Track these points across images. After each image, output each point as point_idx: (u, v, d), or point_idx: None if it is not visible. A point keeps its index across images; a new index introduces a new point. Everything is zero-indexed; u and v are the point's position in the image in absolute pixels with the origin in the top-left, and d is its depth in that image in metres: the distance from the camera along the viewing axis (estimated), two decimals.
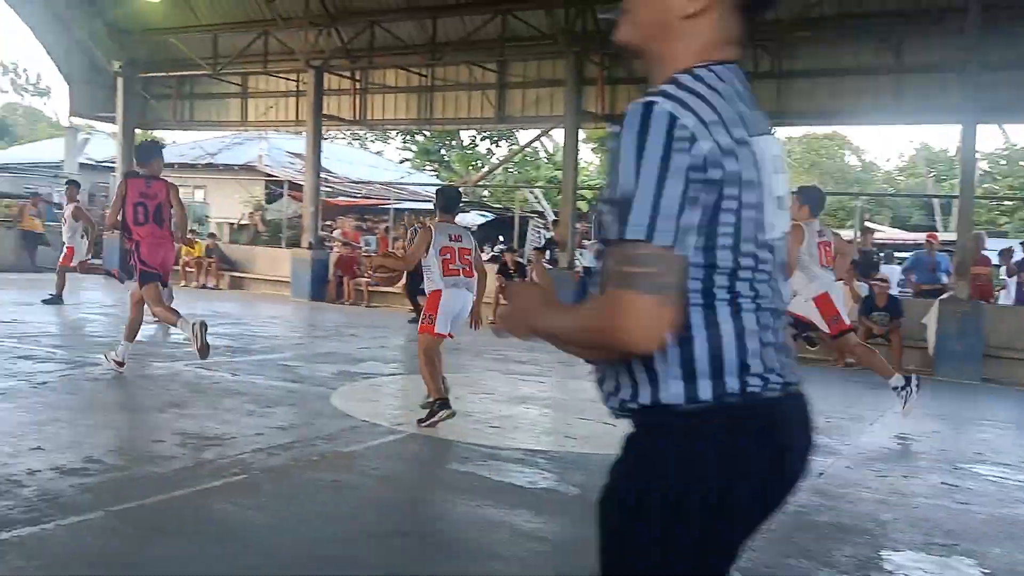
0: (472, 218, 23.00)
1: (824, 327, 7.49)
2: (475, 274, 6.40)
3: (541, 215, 22.44)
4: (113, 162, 21.63)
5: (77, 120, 23.60)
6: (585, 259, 15.85)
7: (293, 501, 4.47)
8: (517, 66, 16.34)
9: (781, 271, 1.55)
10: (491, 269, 15.56)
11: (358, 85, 17.96)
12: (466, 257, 6.34)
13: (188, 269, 18.36)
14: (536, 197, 23.92)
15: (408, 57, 16.53)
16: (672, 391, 1.44)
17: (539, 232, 21.43)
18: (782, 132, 38.11)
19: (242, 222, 23.51)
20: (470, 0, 15.28)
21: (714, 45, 1.50)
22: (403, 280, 12.10)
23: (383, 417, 6.45)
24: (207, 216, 25.37)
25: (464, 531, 4.14)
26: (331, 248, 17.74)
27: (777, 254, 1.52)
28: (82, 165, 24.78)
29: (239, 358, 8.86)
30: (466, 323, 6.47)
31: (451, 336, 6.28)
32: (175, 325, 7.31)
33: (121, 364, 7.36)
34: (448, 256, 6.26)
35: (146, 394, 6.74)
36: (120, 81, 19.11)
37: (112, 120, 20.19)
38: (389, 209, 20.48)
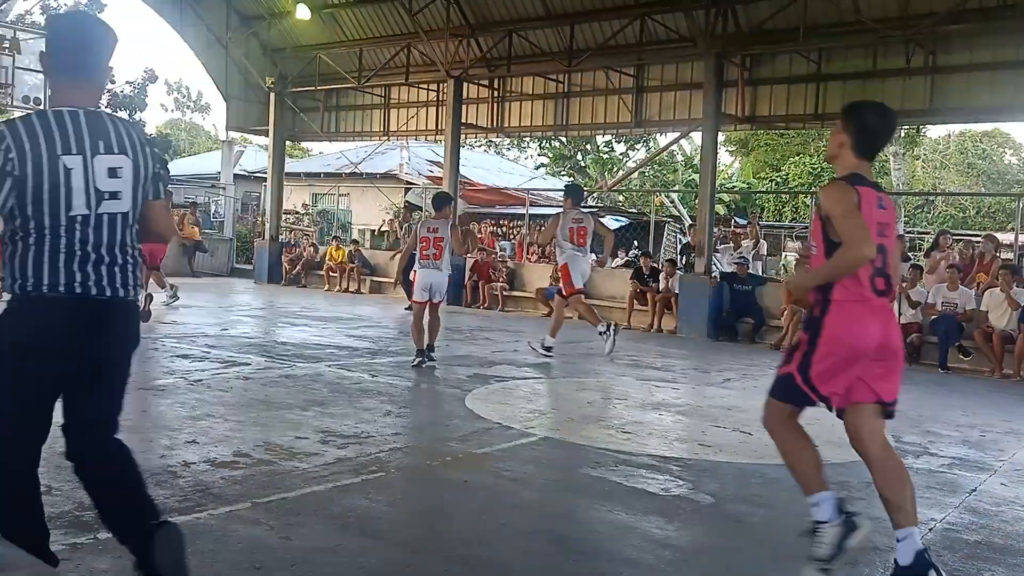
0: (607, 223, 22.91)
1: (563, 287, 9.95)
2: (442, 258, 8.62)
3: (677, 219, 22.12)
4: (264, 172, 22.77)
5: (233, 134, 24.97)
6: (723, 264, 15.52)
7: (428, 499, 4.57)
8: (655, 69, 16.17)
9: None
10: (626, 274, 15.50)
11: (496, 93, 18.23)
12: (439, 244, 8.55)
13: (332, 274, 19.09)
14: (672, 201, 23.59)
15: (545, 64, 16.64)
16: (6, 286, 2.74)
17: (675, 237, 21.12)
18: (935, 131, 36.24)
19: (382, 228, 24.26)
20: (608, 5, 15.24)
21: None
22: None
23: (516, 420, 6.50)
24: (350, 223, 26.32)
25: (596, 535, 4.11)
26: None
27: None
28: (236, 176, 26.17)
29: (378, 360, 9.13)
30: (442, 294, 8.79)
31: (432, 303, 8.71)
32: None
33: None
34: (424, 244, 8.64)
35: (291, 393, 7.03)
36: (272, 96, 20.14)
37: (265, 133, 21.31)
38: (524, 214, 20.64)
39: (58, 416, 2.99)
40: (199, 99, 52.24)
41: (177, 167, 35.71)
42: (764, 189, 32.83)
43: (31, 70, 18.67)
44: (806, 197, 29.22)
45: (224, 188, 23.81)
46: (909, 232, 23.20)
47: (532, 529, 4.16)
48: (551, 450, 5.73)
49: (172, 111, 52.45)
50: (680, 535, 4.18)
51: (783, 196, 32.98)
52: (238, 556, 3.48)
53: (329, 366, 8.46)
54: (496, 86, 18.18)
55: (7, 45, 18.21)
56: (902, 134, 27.83)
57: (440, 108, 18.67)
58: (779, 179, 33.46)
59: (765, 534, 4.30)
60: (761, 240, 16.09)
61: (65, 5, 25.64)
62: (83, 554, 3.32)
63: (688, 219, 20.84)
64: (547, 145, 38.60)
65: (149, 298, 10.85)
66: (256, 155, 31.76)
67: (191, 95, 52.31)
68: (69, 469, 4.39)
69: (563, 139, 33.72)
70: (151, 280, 11.37)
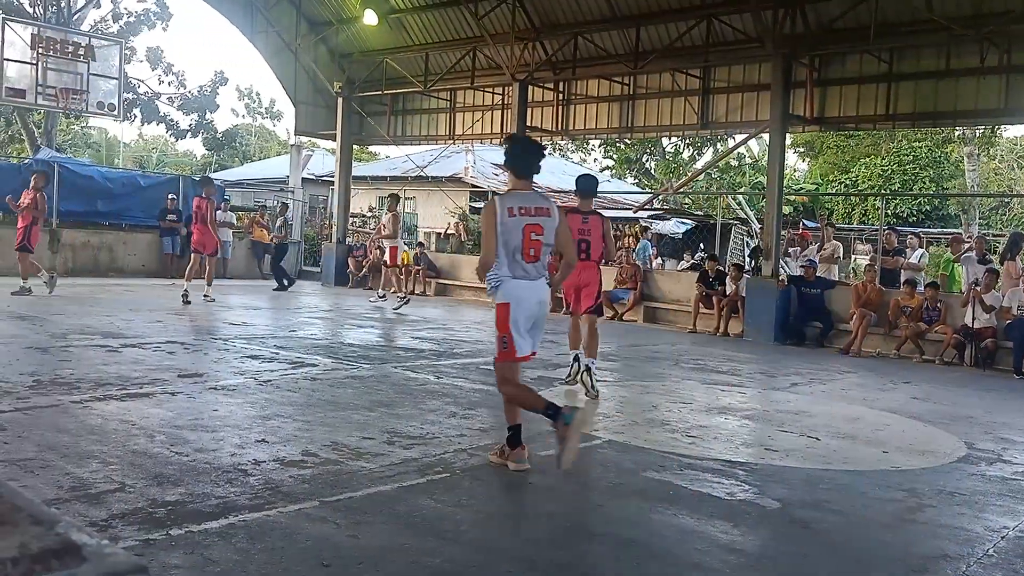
0: (672, 226, 22.74)
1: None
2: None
3: (744, 222, 21.83)
4: (331, 176, 23.15)
5: (302, 138, 25.44)
6: (791, 267, 15.27)
7: (493, 501, 4.60)
8: (721, 71, 16.00)
9: None
10: (692, 277, 15.36)
11: (560, 96, 18.24)
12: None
13: (398, 276, 19.29)
14: (739, 204, 23.30)
15: (610, 66, 16.59)
16: None
17: (742, 240, 20.87)
18: (1011, 131, 35.06)
19: (448, 231, 24.45)
20: (674, 7, 15.12)
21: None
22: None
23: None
24: (415, 225, 26.58)
25: (661, 539, 4.09)
26: None
27: None
28: (304, 179, 26.66)
29: (443, 361, 9.21)
30: None
31: None
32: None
33: None
34: None
35: (357, 394, 7.13)
36: (340, 101, 20.48)
37: (332, 137, 21.69)
38: None
39: (150, 411, 3.08)
40: (271, 105, 53.42)
41: (247, 171, 36.62)
42: (833, 191, 32.22)
43: (105, 76, 19.33)
44: (876, 199, 28.62)
45: (292, 192, 24.27)
46: (984, 234, 22.51)
47: (597, 532, 4.15)
48: (616, 453, 5.71)
49: (243, 116, 53.71)
50: (746, 540, 4.13)
51: (852, 198, 32.34)
52: (306, 553, 3.54)
53: (395, 367, 8.56)
54: (561, 89, 18.19)
55: (82, 52, 18.87)
56: (977, 134, 27.03)
57: (505, 111, 18.75)
58: (848, 181, 32.81)
59: (834, 540, 4.22)
60: (834, 243, 15.74)
61: (134, 14, 26.50)
62: (156, 550, 3.42)
63: (755, 222, 20.56)
64: (612, 148, 38.48)
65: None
66: (324, 159, 32.36)
67: (261, 101, 53.53)
68: (143, 467, 4.55)
69: (628, 141, 33.59)
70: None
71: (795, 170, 36.59)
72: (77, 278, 17.00)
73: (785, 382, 9.42)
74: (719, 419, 7.03)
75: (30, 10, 23.65)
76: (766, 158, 17.12)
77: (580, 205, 7.73)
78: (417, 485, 4.58)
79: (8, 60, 18.08)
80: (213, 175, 32.26)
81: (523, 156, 5.06)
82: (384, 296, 16.02)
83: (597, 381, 7.60)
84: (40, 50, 18.05)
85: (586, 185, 7.74)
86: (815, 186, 32.95)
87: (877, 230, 18.29)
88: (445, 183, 25.74)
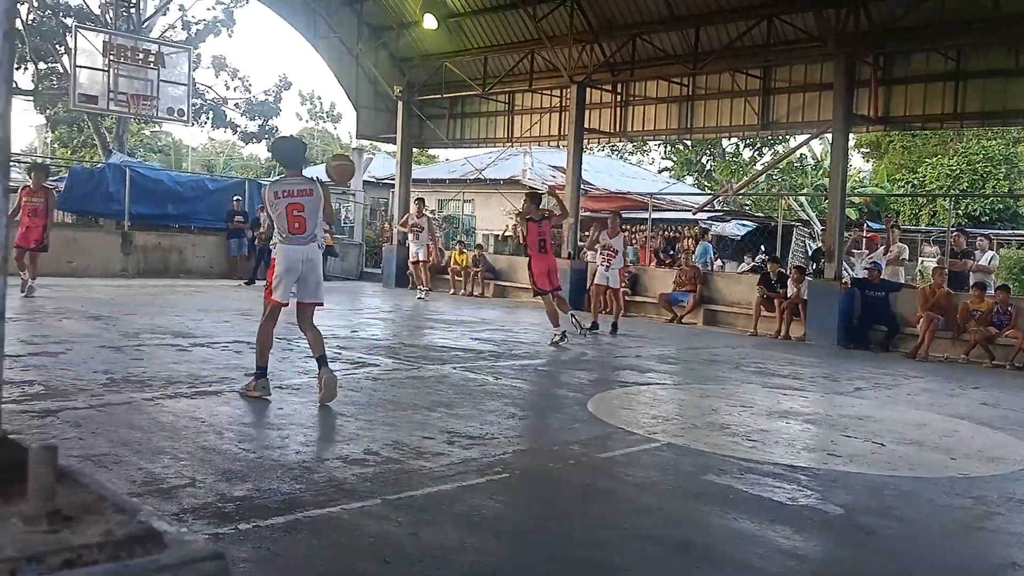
0: (732, 228, 22.48)
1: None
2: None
3: (806, 224, 21.48)
4: (392, 179, 23.41)
5: (363, 141, 25.76)
6: (855, 269, 15.00)
7: (551, 502, 4.62)
8: (782, 71, 15.79)
9: None
10: (753, 279, 15.18)
11: (618, 97, 18.18)
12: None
13: (457, 278, 19.43)
14: (801, 205, 22.92)
15: (669, 67, 16.49)
16: None
17: (804, 242, 20.54)
18: None
19: (506, 233, 24.54)
20: (734, 6, 14.97)
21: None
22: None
23: (638, 425, 6.48)
24: (474, 227, 26.73)
25: (720, 543, 4.07)
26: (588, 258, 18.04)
27: None
28: (365, 182, 26.98)
29: (502, 363, 9.26)
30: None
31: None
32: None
33: None
34: None
35: (417, 394, 7.22)
36: (400, 105, 20.71)
37: (393, 140, 21.94)
38: (647, 219, 20.48)
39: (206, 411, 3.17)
40: (331, 109, 54.17)
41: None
42: (899, 192, 31.50)
43: (174, 83, 19.83)
44: (945, 200, 27.89)
45: (354, 194, 24.59)
46: None
47: (655, 535, 4.14)
48: (674, 456, 5.69)
49: (306, 121, 54.56)
50: (808, 546, 4.09)
51: (919, 199, 31.57)
52: (369, 550, 3.62)
53: (454, 368, 8.64)
54: (619, 90, 18.13)
55: (152, 59, 19.39)
56: None
57: (563, 113, 18.75)
58: (915, 181, 32.04)
59: (900, 548, 4.15)
60: (901, 245, 15.39)
61: (203, 21, 27.10)
62: (225, 544, 3.52)
63: (818, 223, 20.21)
64: (671, 149, 38.19)
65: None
66: (384, 162, 32.68)
67: (323, 105, 54.31)
68: (212, 463, 4.68)
69: (687, 143, 33.30)
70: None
71: (860, 171, 35.82)
72: (147, 279, 17.47)
73: (849, 386, 9.25)
74: (780, 423, 6.95)
75: (102, 18, 24.36)
76: (829, 159, 16.82)
77: (534, 215, 11.43)
78: (477, 485, 4.62)
79: (81, 67, 18.66)
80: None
81: (288, 153, 6.49)
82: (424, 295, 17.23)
83: (649, 384, 7.56)
84: (111, 57, 18.59)
85: (537, 200, 11.73)
86: (880, 187, 32.23)
87: (945, 232, 17.85)
88: (503, 186, 25.84)
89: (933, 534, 4.40)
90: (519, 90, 19.28)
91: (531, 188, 26.16)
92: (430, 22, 18.42)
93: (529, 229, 11.39)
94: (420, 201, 18.30)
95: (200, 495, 4.12)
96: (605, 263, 13.25)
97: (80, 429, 5.22)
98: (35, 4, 23.90)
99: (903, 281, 14.75)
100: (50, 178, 16.12)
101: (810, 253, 19.53)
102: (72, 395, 6.16)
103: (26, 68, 24.96)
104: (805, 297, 13.79)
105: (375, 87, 21.26)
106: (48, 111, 28.03)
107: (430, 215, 16.96)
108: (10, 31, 1.06)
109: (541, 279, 11.37)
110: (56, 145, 35.02)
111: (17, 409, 5.46)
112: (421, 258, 17.59)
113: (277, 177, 6.26)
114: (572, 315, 11.57)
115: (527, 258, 11.92)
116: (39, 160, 22.17)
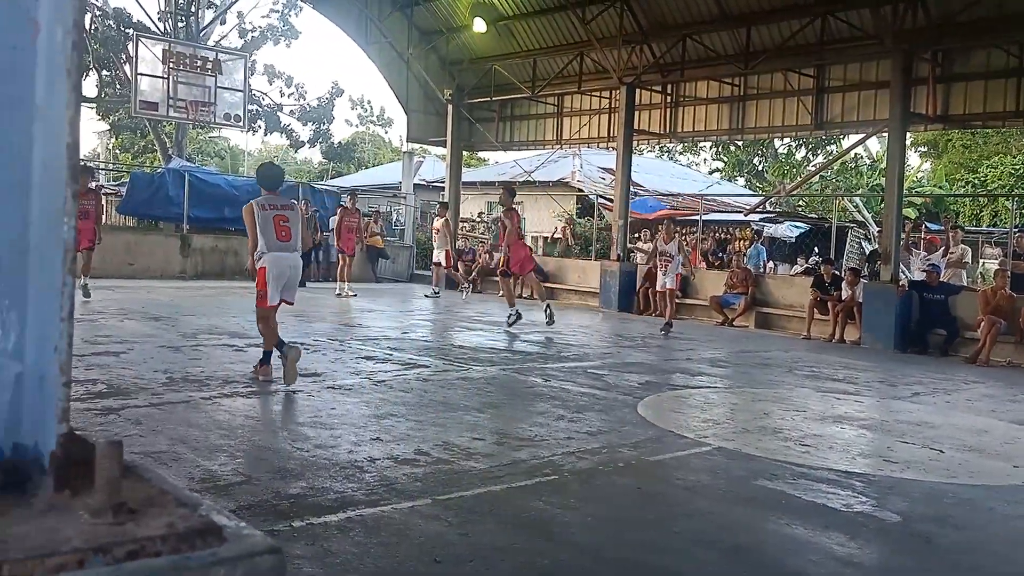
0: (785, 229, 22.18)
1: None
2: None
3: (862, 225, 21.11)
4: (442, 182, 23.56)
5: (413, 145, 25.96)
6: (912, 271, 14.70)
7: (601, 504, 4.62)
8: (836, 69, 15.55)
9: None
10: (806, 282, 14.96)
11: (668, 98, 18.06)
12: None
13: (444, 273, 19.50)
14: (856, 206, 22.54)
15: (720, 67, 16.34)
16: None
17: (859, 243, 20.20)
18: None
19: (555, 235, 24.53)
20: (787, 5, 14.78)
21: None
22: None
23: (688, 429, 6.44)
24: (524, 230, 26.70)
25: (773, 549, 4.02)
26: (638, 260, 17.97)
27: None
28: (416, 185, 27.19)
29: (551, 365, 9.26)
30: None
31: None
32: None
33: None
34: None
35: (468, 395, 7.26)
36: (450, 108, 20.84)
37: (442, 143, 22.08)
38: (698, 220, 20.32)
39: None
40: (382, 113, 54.70)
41: (361, 178, 37.60)
42: (959, 192, 30.79)
43: (231, 89, 20.22)
44: (1007, 200, 27.19)
45: (405, 197, 24.80)
46: None
47: (706, 539, 4.11)
48: (725, 460, 5.64)
49: (356, 126, 55.15)
50: (864, 553, 4.02)
51: (980, 199, 30.82)
52: (419, 549, 3.65)
53: (503, 370, 8.67)
54: (669, 91, 18.02)
55: (210, 67, 19.79)
56: None
57: (612, 115, 18.69)
58: (976, 181, 31.29)
59: (958, 556, 4.07)
60: (963, 247, 15.02)
61: (259, 28, 27.56)
62: (280, 541, 3.56)
63: (873, 225, 19.85)
64: (722, 149, 37.83)
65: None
66: (434, 165, 32.90)
67: (373, 110, 54.85)
68: (267, 461, 4.76)
69: (739, 143, 32.95)
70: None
71: (918, 171, 35.09)
72: (205, 281, 17.82)
73: (906, 391, 9.07)
74: (834, 428, 6.85)
75: (160, 26, 24.91)
76: (885, 158, 16.51)
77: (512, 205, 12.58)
78: (526, 486, 4.64)
79: (141, 75, 19.12)
80: (330, 182, 33.32)
81: (268, 177, 7.31)
82: (465, 295, 17.84)
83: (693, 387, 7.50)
84: (171, 64, 19.02)
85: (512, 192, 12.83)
86: (939, 187, 31.55)
87: (1007, 233, 17.39)
88: (552, 187, 25.83)
89: (994, 543, 4.30)
90: (568, 92, 19.26)
91: (579, 190, 26.17)
92: (479, 25, 18.50)
93: (513, 218, 12.47)
94: (444, 205, 18.60)
95: (256, 492, 4.20)
96: (663, 268, 13.39)
97: (141, 427, 5.35)
98: (97, 13, 24.53)
99: (964, 284, 14.40)
100: (112, 183, 16.51)
101: (866, 255, 19.19)
102: (133, 393, 6.32)
103: (89, 75, 25.63)
104: (860, 300, 13.55)
105: (425, 91, 21.41)
106: (111, 117, 28.78)
107: (449, 220, 17.50)
108: (79, 41, 1.09)
109: (523, 263, 12.85)
110: (118, 151, 35.87)
111: (81, 407, 5.61)
112: (438, 260, 17.86)
113: (261, 197, 7.22)
114: (548, 304, 13.06)
115: (506, 246, 12.75)
116: (86, 164, 22.69)
